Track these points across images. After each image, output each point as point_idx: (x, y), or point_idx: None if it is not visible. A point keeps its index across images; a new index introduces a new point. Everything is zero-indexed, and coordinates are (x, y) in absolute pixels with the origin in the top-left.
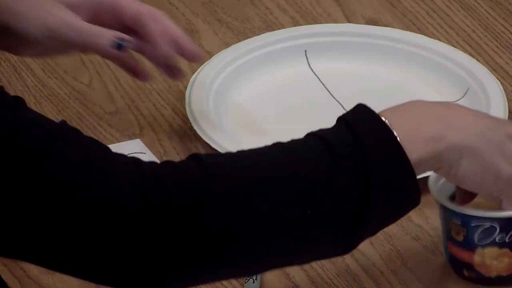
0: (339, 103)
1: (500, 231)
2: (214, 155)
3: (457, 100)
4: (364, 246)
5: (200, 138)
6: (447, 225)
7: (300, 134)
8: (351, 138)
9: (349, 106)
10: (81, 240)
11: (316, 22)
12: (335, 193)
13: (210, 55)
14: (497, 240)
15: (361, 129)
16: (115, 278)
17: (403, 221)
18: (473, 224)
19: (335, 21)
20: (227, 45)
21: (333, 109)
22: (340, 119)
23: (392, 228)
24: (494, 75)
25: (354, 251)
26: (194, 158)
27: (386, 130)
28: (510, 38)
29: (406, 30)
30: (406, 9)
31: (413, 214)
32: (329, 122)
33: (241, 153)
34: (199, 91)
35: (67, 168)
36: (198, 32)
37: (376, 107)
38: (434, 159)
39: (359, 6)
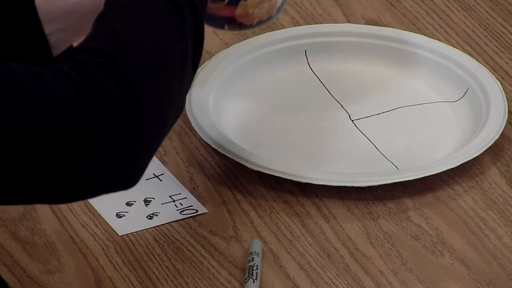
0: (339, 103)
1: None
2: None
3: (457, 100)
4: (364, 246)
5: (200, 138)
6: None
7: (300, 133)
8: None
9: (349, 106)
10: (44, 160)
11: (316, 22)
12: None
13: (210, 55)
14: None
15: None
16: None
17: (403, 221)
18: None
19: (335, 21)
20: (227, 45)
21: (333, 109)
22: None
23: (392, 228)
24: (494, 75)
25: (354, 251)
26: (85, 52)
27: None
28: (509, 38)
29: (406, 30)
30: (406, 9)
31: (413, 214)
32: (329, 122)
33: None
34: (199, 91)
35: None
36: None
37: (376, 107)
38: None
39: (359, 6)
